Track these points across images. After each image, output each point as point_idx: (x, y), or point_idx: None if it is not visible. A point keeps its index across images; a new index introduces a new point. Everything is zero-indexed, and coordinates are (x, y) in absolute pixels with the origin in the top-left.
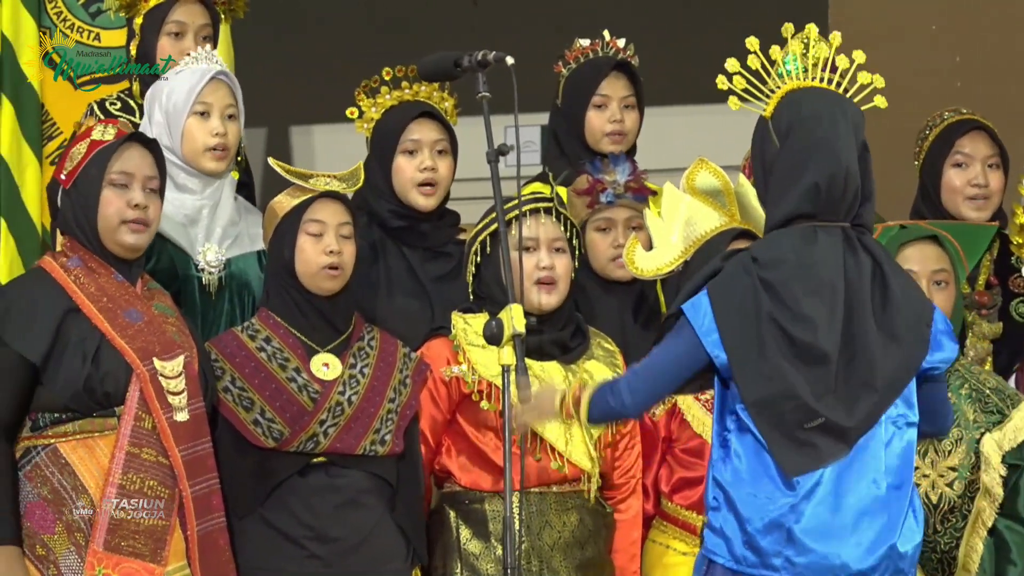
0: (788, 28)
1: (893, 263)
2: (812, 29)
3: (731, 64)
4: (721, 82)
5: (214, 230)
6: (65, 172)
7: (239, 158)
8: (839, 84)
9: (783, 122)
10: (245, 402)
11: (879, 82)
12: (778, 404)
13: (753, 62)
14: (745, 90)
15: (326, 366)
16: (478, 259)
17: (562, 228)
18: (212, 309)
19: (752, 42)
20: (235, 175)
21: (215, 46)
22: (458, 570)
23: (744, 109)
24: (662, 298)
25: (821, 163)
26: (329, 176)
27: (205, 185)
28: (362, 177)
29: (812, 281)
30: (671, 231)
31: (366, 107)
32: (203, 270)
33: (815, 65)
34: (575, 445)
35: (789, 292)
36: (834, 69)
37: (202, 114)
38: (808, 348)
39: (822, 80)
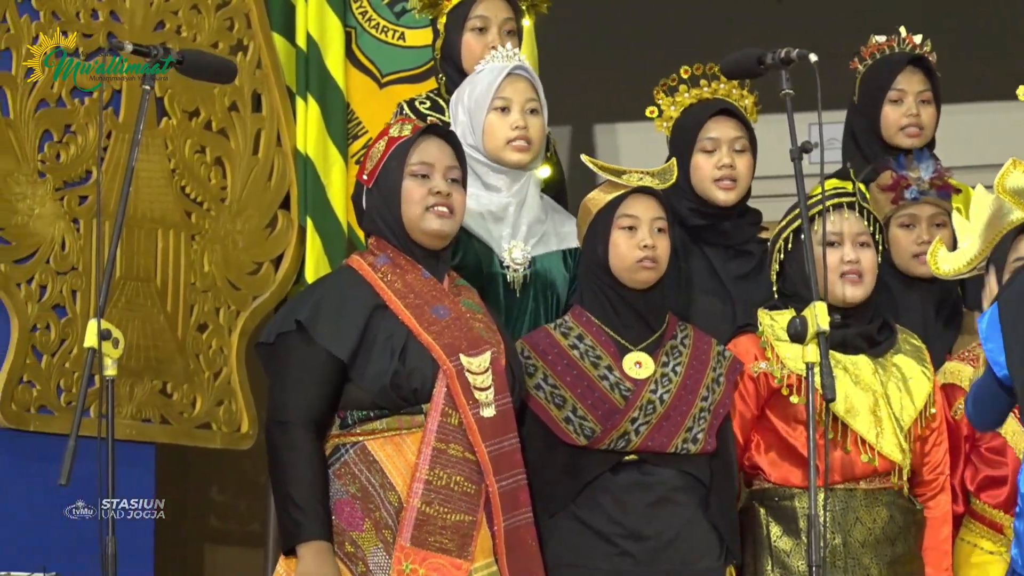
0: None
1: None
2: None
3: None
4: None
5: (520, 227)
6: (367, 172)
7: (548, 153)
8: None
9: None
10: (557, 399)
11: None
12: None
13: None
14: None
15: (638, 364)
16: (782, 256)
17: (866, 223)
18: (516, 307)
19: None
20: (549, 166)
21: (520, 40)
22: (769, 567)
23: None
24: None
25: None
26: (642, 172)
27: (512, 182)
28: (675, 174)
29: None
30: (973, 232)
31: (665, 105)
32: (508, 267)
33: None
34: (886, 437)
35: None
36: None
37: (502, 109)
38: None
39: None
